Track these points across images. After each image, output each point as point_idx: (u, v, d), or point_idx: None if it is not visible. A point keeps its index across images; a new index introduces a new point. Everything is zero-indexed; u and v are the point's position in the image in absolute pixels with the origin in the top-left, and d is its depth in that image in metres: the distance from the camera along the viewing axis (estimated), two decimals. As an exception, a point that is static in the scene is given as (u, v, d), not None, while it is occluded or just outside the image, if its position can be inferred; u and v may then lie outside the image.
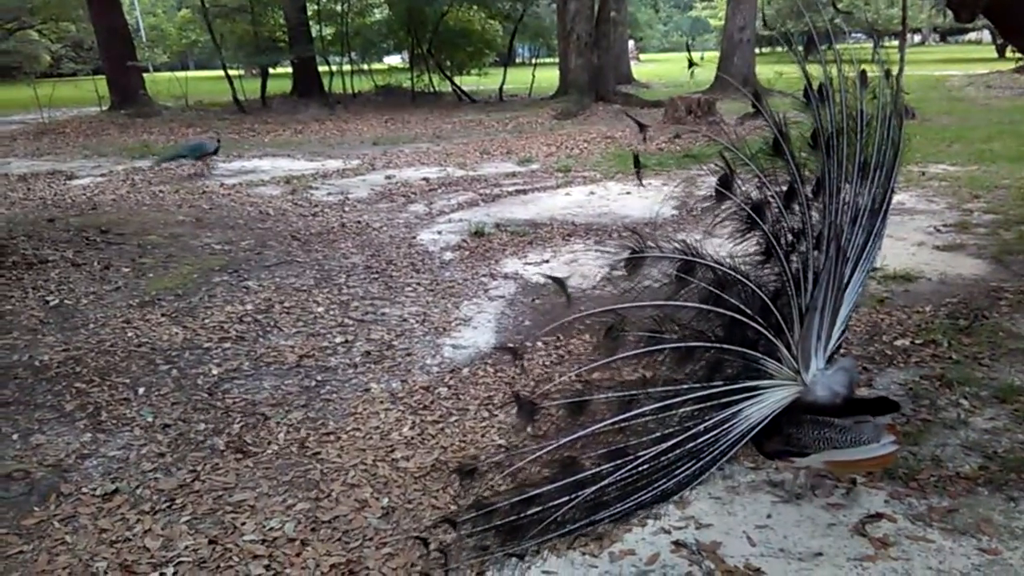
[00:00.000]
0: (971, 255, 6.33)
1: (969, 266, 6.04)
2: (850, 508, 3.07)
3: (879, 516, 3.00)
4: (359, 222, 8.46)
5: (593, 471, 2.42)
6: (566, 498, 2.38)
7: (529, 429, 3.23)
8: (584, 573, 2.80)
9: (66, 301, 5.85)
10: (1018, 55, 22.10)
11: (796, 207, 2.87)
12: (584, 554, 2.90)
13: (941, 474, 3.27)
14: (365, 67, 27.35)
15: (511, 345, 4.33)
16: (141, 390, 4.41)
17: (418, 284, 6.23)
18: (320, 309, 5.67)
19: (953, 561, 2.75)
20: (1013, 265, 6.00)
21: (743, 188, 2.83)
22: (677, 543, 2.94)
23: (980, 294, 5.39)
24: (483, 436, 3.81)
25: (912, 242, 6.80)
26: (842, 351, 3.16)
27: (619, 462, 2.44)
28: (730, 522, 3.06)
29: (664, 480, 2.49)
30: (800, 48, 3.13)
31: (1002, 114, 15.17)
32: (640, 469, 2.45)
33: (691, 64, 4.86)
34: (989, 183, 8.91)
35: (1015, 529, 2.90)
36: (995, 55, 34.60)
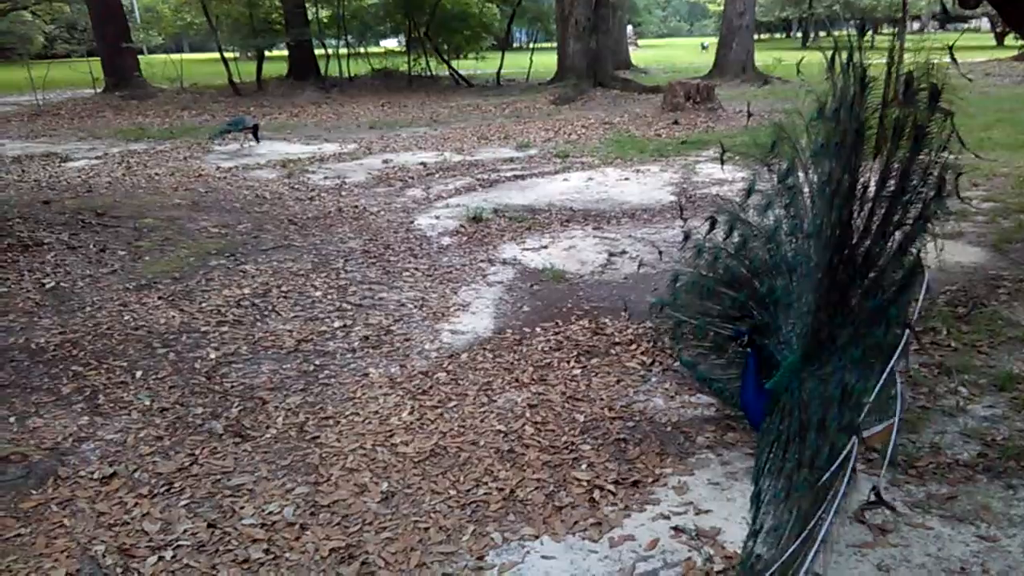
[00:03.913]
0: (970, 243, 6.32)
1: (968, 254, 6.03)
2: (849, 495, 3.07)
3: (878, 503, 3.00)
4: (356, 206, 8.42)
5: None
6: None
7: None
8: (584, 558, 2.80)
9: (62, 284, 5.82)
10: (1020, 43, 22.03)
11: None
12: (584, 539, 2.90)
13: (940, 461, 3.27)
14: (362, 50, 27.20)
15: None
16: (138, 373, 4.40)
17: (416, 269, 6.21)
18: (318, 293, 5.65)
19: (952, 548, 2.76)
20: (1012, 253, 5.99)
21: None
22: (676, 528, 2.94)
23: (979, 282, 5.38)
24: (482, 421, 3.80)
25: (911, 230, 6.78)
26: None
27: None
28: (729, 508, 3.06)
29: None
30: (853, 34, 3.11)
31: (1001, 102, 15.13)
32: None
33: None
34: (988, 171, 8.90)
35: (1013, 516, 2.91)
36: (994, 43, 34.53)
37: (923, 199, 2.92)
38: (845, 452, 2.42)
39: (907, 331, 2.78)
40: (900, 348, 2.73)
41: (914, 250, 2.96)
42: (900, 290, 2.94)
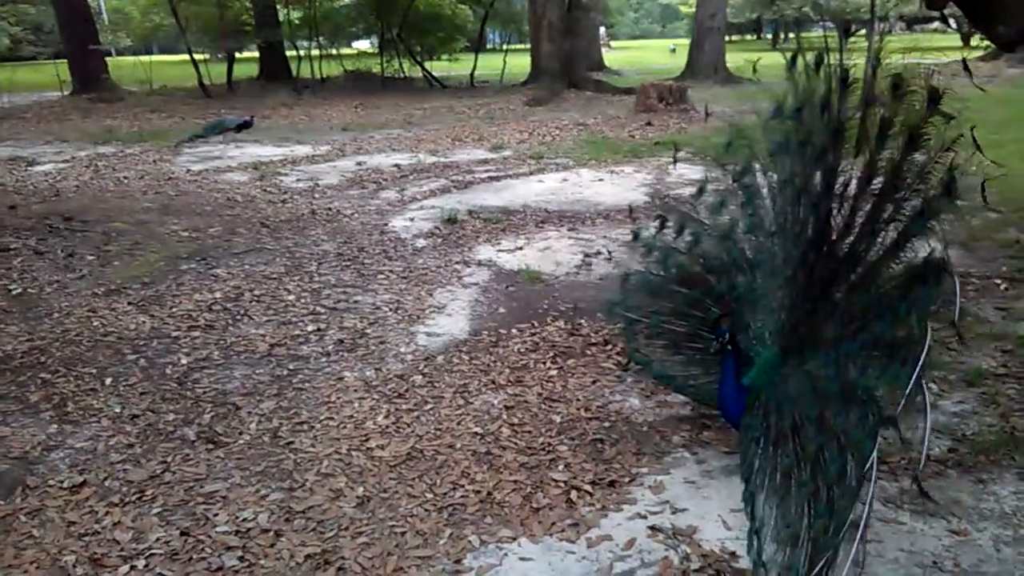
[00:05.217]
0: (938, 241, 6.40)
1: (937, 253, 6.10)
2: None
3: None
4: (330, 209, 8.37)
5: None
6: None
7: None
8: (561, 559, 2.80)
9: (29, 290, 5.71)
10: (985, 43, 22.40)
11: None
12: (561, 540, 2.90)
13: (911, 457, 3.31)
14: (334, 52, 27.02)
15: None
16: (108, 380, 4.33)
17: (391, 271, 6.17)
18: (291, 297, 5.60)
19: (924, 542, 2.79)
20: (979, 251, 6.10)
21: None
22: (653, 528, 2.94)
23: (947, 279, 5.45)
24: (458, 424, 3.78)
25: (881, 228, 6.87)
26: None
27: None
28: (705, 506, 3.07)
29: None
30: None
31: (969, 102, 15.39)
32: None
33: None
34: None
35: (984, 510, 2.96)
36: (960, 44, 35.07)
37: (923, 198, 2.87)
38: (874, 448, 2.43)
39: (928, 330, 2.67)
40: (926, 347, 2.62)
41: (924, 249, 2.92)
42: (908, 286, 2.85)
